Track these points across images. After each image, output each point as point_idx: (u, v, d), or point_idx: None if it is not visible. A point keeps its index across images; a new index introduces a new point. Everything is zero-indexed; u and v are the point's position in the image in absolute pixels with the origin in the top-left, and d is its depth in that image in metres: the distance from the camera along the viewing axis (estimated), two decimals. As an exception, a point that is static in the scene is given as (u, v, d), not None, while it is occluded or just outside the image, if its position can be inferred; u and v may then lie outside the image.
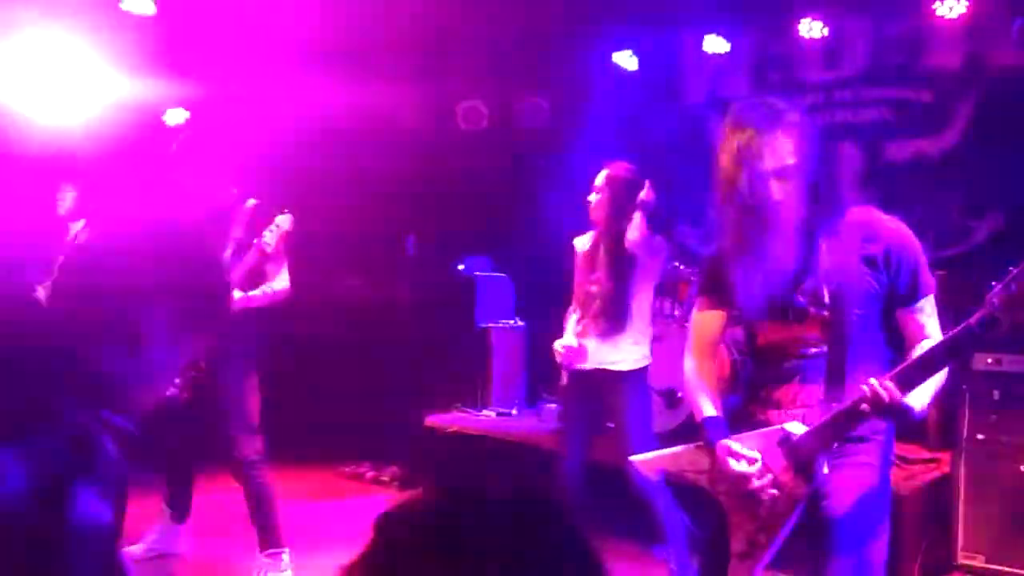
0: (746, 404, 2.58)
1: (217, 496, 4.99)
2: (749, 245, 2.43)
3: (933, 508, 4.35)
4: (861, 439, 2.44)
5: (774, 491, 2.39)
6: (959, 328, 2.16)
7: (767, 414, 2.49)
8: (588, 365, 4.47)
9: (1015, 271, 2.06)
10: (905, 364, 2.24)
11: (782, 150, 2.35)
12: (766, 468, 2.41)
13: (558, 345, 4.54)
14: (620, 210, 4.37)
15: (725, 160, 2.41)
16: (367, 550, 1.01)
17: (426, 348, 6.66)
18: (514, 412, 6.37)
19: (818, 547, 2.44)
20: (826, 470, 2.36)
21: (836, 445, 2.36)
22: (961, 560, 4.17)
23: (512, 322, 6.74)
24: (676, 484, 2.65)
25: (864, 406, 2.24)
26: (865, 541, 2.44)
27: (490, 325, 6.61)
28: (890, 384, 2.20)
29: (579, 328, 4.53)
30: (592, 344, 4.47)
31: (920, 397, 2.25)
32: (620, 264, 4.41)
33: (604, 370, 4.44)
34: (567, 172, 6.40)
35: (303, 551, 4.60)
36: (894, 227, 2.46)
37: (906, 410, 2.23)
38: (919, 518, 4.30)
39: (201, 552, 4.86)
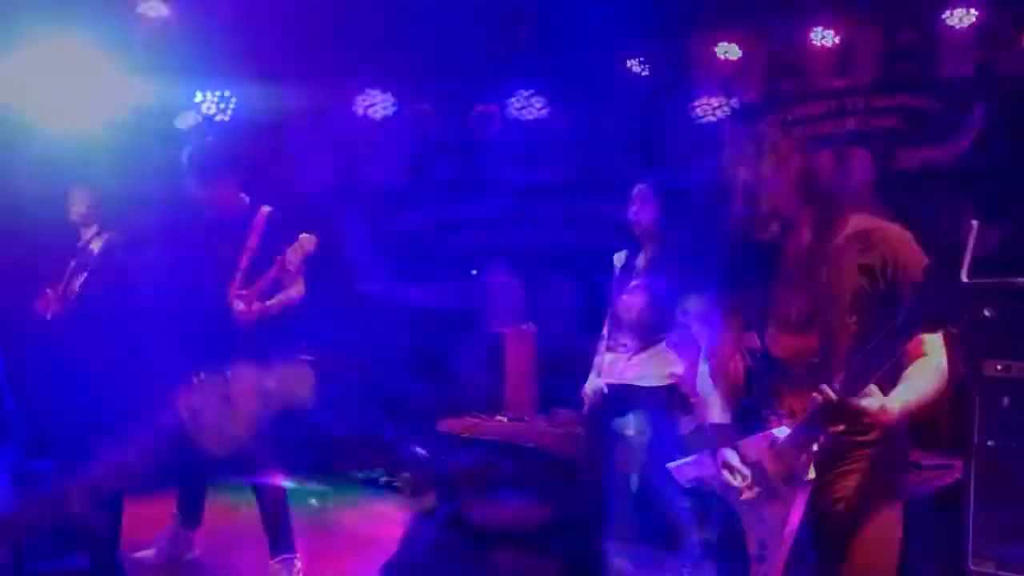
0: (759, 411, 2.59)
1: (228, 502, 5.00)
2: (750, 255, 2.45)
3: (944, 514, 4.34)
4: (867, 444, 2.43)
5: (768, 496, 2.42)
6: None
7: (781, 423, 2.49)
8: (616, 380, 4.38)
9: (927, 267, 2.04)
10: (848, 369, 2.21)
11: (773, 167, 2.36)
12: (761, 472, 2.43)
13: (588, 389, 4.46)
14: (666, 217, 4.33)
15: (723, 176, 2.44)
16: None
17: (439, 352, 6.67)
18: (526, 417, 6.37)
19: (827, 553, 2.46)
20: (813, 473, 2.35)
21: (815, 447, 2.34)
22: (972, 567, 4.16)
23: (525, 326, 6.74)
24: (696, 489, 2.68)
25: (818, 410, 2.24)
26: (874, 547, 2.44)
27: (503, 330, 6.62)
28: (836, 387, 2.19)
29: (610, 342, 4.45)
30: (621, 360, 4.38)
31: (881, 398, 2.19)
32: (659, 274, 4.33)
33: (632, 386, 4.36)
34: (577, 176, 6.44)
35: (315, 557, 4.62)
36: (894, 235, 2.38)
37: (855, 413, 2.19)
38: (930, 524, 4.30)
39: (212, 558, 4.87)
